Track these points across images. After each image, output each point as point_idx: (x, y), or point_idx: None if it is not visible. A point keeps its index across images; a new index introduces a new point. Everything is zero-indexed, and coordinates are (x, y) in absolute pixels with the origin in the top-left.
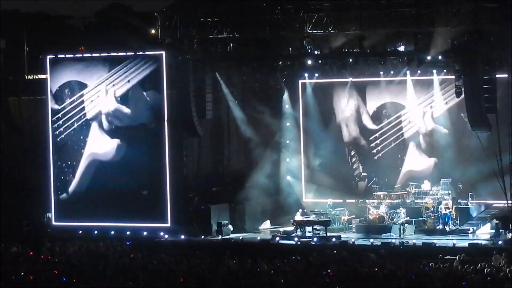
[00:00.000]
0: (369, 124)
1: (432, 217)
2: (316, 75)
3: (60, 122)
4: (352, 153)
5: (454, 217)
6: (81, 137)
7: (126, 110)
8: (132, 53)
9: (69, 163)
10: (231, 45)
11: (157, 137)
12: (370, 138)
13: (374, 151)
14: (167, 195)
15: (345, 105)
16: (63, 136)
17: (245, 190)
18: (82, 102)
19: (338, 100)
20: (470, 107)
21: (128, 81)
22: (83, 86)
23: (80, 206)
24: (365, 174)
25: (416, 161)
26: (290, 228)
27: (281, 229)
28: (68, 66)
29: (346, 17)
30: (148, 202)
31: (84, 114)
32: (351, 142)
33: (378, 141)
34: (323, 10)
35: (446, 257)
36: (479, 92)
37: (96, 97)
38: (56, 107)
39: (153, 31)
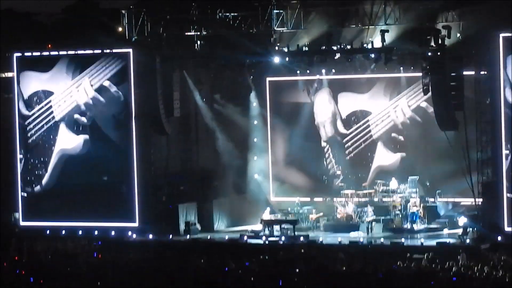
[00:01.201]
0: (341, 127)
1: (400, 216)
2: (283, 73)
3: (31, 126)
4: (322, 152)
5: (421, 215)
6: (51, 136)
7: (94, 106)
8: (99, 51)
9: (40, 160)
10: (199, 42)
11: (125, 135)
12: (341, 139)
13: (346, 152)
14: (135, 193)
15: (320, 107)
16: (34, 137)
17: (213, 189)
18: (50, 107)
19: (304, 98)
20: (437, 104)
21: (96, 79)
22: (50, 93)
23: (49, 205)
24: (333, 172)
25: (384, 157)
26: (258, 227)
27: (249, 228)
28: (35, 76)
29: (313, 14)
30: (116, 200)
31: (53, 117)
32: (321, 141)
33: (349, 143)
34: (291, 7)
35: (414, 255)
36: (446, 89)
37: (63, 101)
38: (27, 113)
39: (120, 29)
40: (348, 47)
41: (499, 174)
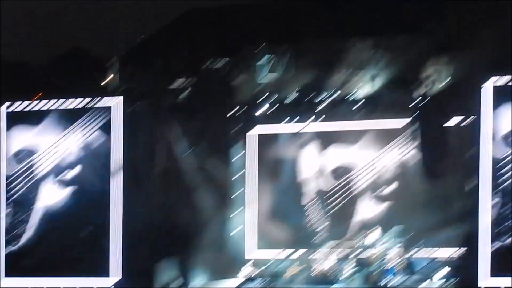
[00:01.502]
0: (326, 181)
1: (380, 269)
2: (268, 125)
3: (17, 181)
4: (304, 206)
5: (402, 269)
6: (35, 192)
7: (80, 159)
8: (87, 102)
9: (23, 216)
10: (184, 94)
11: (110, 188)
12: (326, 193)
13: (330, 205)
14: (118, 247)
15: (306, 162)
16: (18, 193)
17: (193, 243)
18: (36, 162)
19: (293, 153)
20: (423, 153)
21: (83, 132)
22: (36, 148)
23: (31, 262)
24: (315, 226)
25: (368, 209)
26: (238, 282)
27: (229, 284)
28: (23, 131)
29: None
30: (98, 254)
31: (38, 172)
32: (304, 195)
33: (334, 196)
34: (277, 55)
35: None
36: (433, 138)
37: (49, 156)
38: (12, 169)
39: (107, 80)
40: (335, 94)
41: (483, 225)
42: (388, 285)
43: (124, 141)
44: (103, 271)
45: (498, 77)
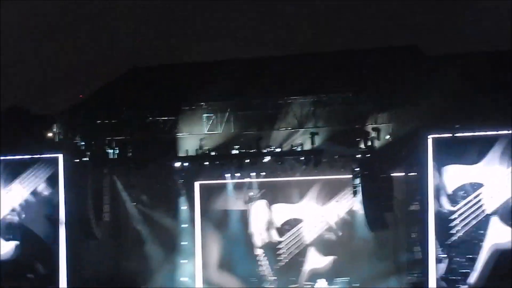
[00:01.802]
0: (275, 235)
1: None
2: (213, 176)
3: None
4: (254, 257)
5: None
6: None
7: (26, 209)
8: (29, 157)
9: None
10: (129, 147)
11: (56, 238)
12: (275, 246)
13: (279, 257)
14: None
15: (255, 216)
16: None
17: None
18: None
19: (236, 203)
20: (367, 206)
21: (29, 185)
22: None
23: None
24: (265, 277)
25: (316, 260)
26: None
27: None
28: None
29: (243, 117)
30: None
31: None
32: (253, 247)
33: (283, 249)
34: (220, 111)
35: None
36: (375, 191)
37: None
38: None
39: (50, 134)
40: (278, 150)
41: (429, 276)
42: None
43: (68, 193)
44: None
45: (438, 134)
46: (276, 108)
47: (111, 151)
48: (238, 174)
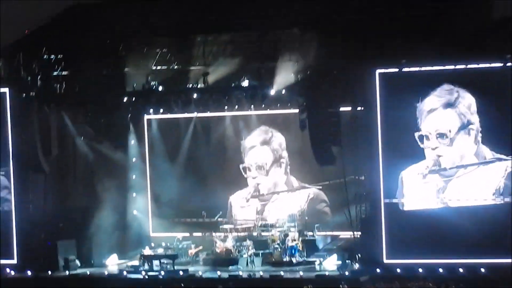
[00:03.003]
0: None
1: (279, 249)
2: (161, 110)
3: None
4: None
5: (300, 249)
6: None
7: None
8: None
9: None
10: (75, 82)
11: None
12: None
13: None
14: (12, 231)
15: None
16: None
17: (92, 225)
18: None
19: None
20: (314, 141)
21: None
22: None
23: None
24: (213, 208)
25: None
26: (138, 263)
27: (129, 263)
28: None
29: (189, 53)
30: None
31: None
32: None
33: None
34: (167, 46)
35: None
36: (323, 125)
37: None
38: None
39: None
40: (225, 85)
41: (377, 206)
42: (294, 262)
43: (15, 128)
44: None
45: (385, 69)
46: (221, 44)
47: (58, 86)
48: (186, 109)
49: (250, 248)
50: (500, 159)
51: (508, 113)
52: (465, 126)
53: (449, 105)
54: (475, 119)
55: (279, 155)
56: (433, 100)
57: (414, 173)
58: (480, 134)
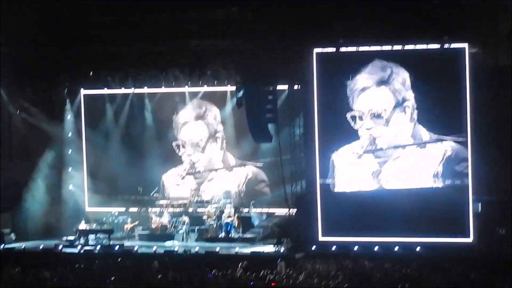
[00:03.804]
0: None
1: (215, 226)
2: (99, 86)
3: None
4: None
5: (236, 225)
6: None
7: None
8: None
9: None
10: (13, 58)
11: None
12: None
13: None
14: None
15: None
16: None
17: (28, 199)
18: None
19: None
20: (251, 118)
21: None
22: None
23: None
24: (149, 183)
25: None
26: (73, 237)
27: (64, 238)
28: None
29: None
30: None
31: None
32: (135, 152)
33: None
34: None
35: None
36: (259, 103)
37: None
38: None
39: None
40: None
41: (313, 185)
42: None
43: None
44: None
45: (323, 48)
46: (160, 22)
47: None
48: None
49: (185, 223)
50: (440, 140)
51: (445, 90)
52: (400, 104)
53: (383, 82)
54: (410, 95)
55: (215, 129)
56: (365, 78)
57: (348, 153)
58: (416, 111)
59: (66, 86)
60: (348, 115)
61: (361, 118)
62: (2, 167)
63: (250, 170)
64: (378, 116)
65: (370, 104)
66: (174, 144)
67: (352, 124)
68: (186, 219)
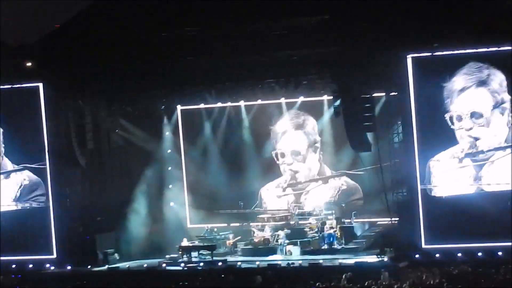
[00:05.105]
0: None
1: (317, 238)
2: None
3: None
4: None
5: (339, 236)
6: None
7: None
8: (9, 86)
9: None
10: (109, 76)
11: (39, 171)
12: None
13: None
14: (51, 226)
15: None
16: None
17: (130, 218)
18: None
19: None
20: (349, 127)
21: (9, 115)
22: None
23: None
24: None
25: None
26: (176, 255)
27: (167, 256)
28: None
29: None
30: (32, 234)
31: None
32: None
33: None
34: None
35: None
36: (357, 111)
37: None
38: None
39: (29, 64)
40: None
41: (414, 193)
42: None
43: (50, 122)
44: (39, 249)
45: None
46: (252, 34)
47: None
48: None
49: (287, 237)
50: None
51: None
52: (498, 105)
53: (482, 82)
54: (507, 97)
55: (314, 139)
56: (464, 79)
57: (448, 157)
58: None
59: (163, 102)
60: (447, 116)
61: (460, 118)
62: (103, 186)
63: (344, 181)
64: (478, 116)
65: (470, 104)
66: (273, 153)
67: (451, 125)
68: (287, 232)
